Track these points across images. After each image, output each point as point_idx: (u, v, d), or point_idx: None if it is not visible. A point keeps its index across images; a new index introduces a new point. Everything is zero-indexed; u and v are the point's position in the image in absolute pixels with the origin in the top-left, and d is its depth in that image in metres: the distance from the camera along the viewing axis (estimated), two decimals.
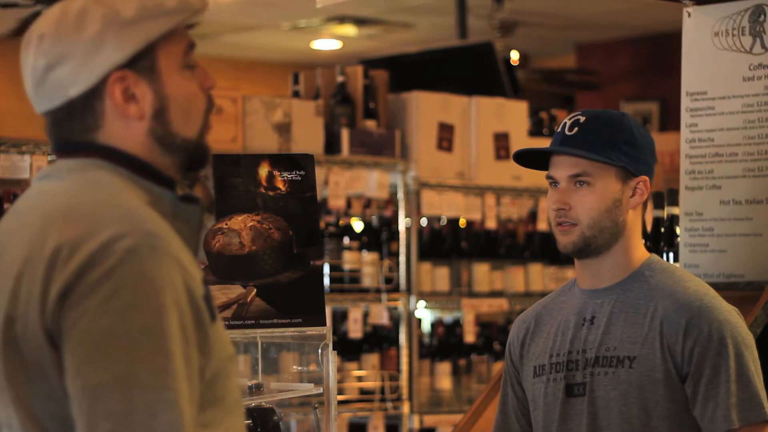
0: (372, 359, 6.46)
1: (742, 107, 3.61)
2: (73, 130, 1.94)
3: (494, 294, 6.89)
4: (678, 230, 3.72)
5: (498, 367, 6.72)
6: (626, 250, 2.87)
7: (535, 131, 7.28)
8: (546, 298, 3.04)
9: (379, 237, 6.54)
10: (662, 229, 3.78)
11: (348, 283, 6.40)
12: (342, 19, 10.23)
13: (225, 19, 9.92)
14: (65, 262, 1.80)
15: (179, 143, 1.97)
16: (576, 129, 2.85)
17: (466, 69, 8.00)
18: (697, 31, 3.70)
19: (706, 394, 2.74)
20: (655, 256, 2.92)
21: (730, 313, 2.79)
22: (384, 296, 6.39)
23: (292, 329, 3.08)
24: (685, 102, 3.72)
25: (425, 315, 6.88)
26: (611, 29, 10.71)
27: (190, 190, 2.03)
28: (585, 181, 2.83)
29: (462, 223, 6.91)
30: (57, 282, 1.79)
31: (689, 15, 3.72)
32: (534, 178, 6.78)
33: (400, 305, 6.53)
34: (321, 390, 3.11)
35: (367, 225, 6.56)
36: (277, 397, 3.16)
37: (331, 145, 6.39)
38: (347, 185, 6.31)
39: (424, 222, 6.81)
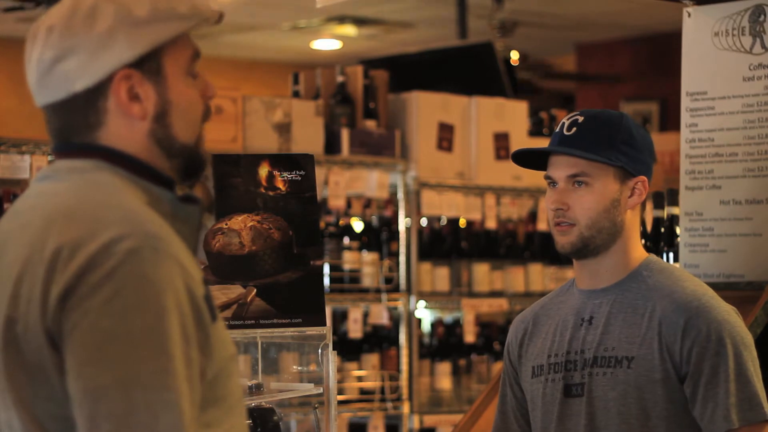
0: (372, 359, 6.46)
1: (742, 107, 3.61)
2: (73, 125, 1.94)
3: (494, 294, 6.89)
4: (678, 230, 3.72)
5: (498, 367, 6.72)
6: (625, 251, 2.87)
7: (535, 131, 7.28)
8: (544, 298, 3.04)
9: (379, 237, 6.54)
10: (662, 229, 3.78)
11: (348, 283, 6.40)
12: (342, 19, 10.24)
13: (225, 19, 9.90)
14: (66, 263, 1.80)
15: (178, 148, 1.97)
16: (574, 129, 2.85)
17: (466, 69, 8.00)
18: (697, 31, 3.70)
19: (706, 395, 2.74)
20: (653, 256, 2.92)
21: (728, 313, 2.79)
22: (384, 296, 6.39)
23: (292, 329, 3.08)
24: (685, 102, 3.72)
25: (425, 315, 6.88)
26: (611, 29, 10.71)
27: (189, 190, 2.03)
28: (583, 181, 2.83)
29: (462, 223, 6.91)
30: (58, 283, 1.79)
31: (689, 15, 3.72)
32: (534, 178, 6.78)
33: (400, 305, 6.53)
34: (321, 390, 3.11)
35: (367, 225, 6.56)
36: (277, 397, 3.16)
37: (331, 145, 6.39)
38: (347, 185, 6.31)
39: (424, 222, 6.81)
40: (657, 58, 10.77)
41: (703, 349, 2.74)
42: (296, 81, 6.63)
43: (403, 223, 6.57)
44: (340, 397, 6.11)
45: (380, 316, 6.40)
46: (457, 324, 6.89)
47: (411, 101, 6.65)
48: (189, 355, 1.80)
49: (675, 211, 3.73)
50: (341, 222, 6.47)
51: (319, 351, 3.10)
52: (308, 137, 6.25)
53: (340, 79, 6.50)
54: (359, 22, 10.33)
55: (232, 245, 3.06)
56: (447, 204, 6.68)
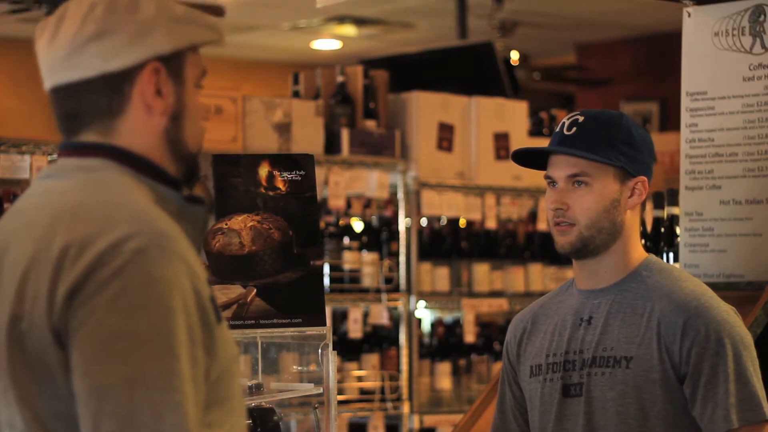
0: (372, 359, 6.46)
1: (742, 107, 3.61)
2: (92, 109, 1.94)
3: (494, 294, 6.89)
4: (678, 230, 3.72)
5: (498, 367, 6.72)
6: (624, 251, 2.87)
7: (535, 131, 7.28)
8: (543, 297, 3.03)
9: (379, 237, 6.54)
10: (662, 229, 3.78)
11: (348, 283, 6.40)
12: (342, 19, 10.24)
13: (225, 19, 9.91)
14: (74, 261, 1.80)
15: (185, 153, 1.99)
16: (575, 129, 2.85)
17: (466, 69, 8.00)
18: (697, 31, 3.70)
19: (705, 395, 2.74)
20: (652, 257, 2.92)
21: (727, 313, 2.79)
22: (384, 296, 6.39)
23: (292, 329, 3.09)
24: (685, 102, 3.72)
25: (425, 315, 6.88)
26: (611, 29, 10.71)
27: (190, 191, 2.03)
28: (583, 181, 2.82)
29: (462, 223, 6.91)
30: (65, 280, 1.79)
31: (689, 15, 3.72)
32: (534, 178, 6.78)
33: (400, 305, 6.53)
34: (321, 390, 3.11)
35: (367, 225, 6.56)
36: (277, 397, 3.16)
37: (331, 145, 6.39)
38: (347, 185, 6.31)
39: (424, 222, 6.81)
40: (657, 58, 10.77)
41: (703, 350, 2.74)
42: (296, 81, 6.63)
43: (403, 223, 6.57)
44: (340, 397, 6.11)
45: (380, 316, 6.40)
46: (457, 324, 6.89)
47: (411, 101, 6.65)
48: (194, 355, 1.81)
49: (675, 211, 3.73)
50: (341, 222, 6.47)
51: (319, 351, 3.10)
52: (308, 137, 6.25)
53: (340, 79, 6.50)
54: (359, 22, 10.33)
55: (232, 245, 3.06)
56: (447, 204, 6.68)
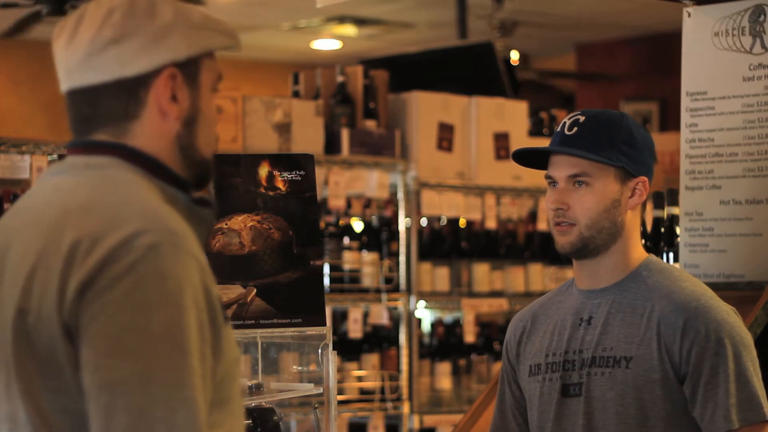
0: (372, 359, 6.46)
1: (742, 107, 3.61)
2: (107, 113, 1.94)
3: (494, 294, 6.89)
4: (678, 230, 3.72)
5: (498, 367, 6.72)
6: (624, 251, 2.87)
7: (535, 131, 7.28)
8: (543, 297, 3.03)
9: (379, 237, 6.54)
10: (662, 229, 3.78)
11: (348, 283, 6.40)
12: (342, 19, 10.24)
13: (225, 19, 9.91)
14: (85, 256, 1.80)
15: (198, 159, 2.00)
16: (575, 129, 2.84)
17: (466, 69, 8.00)
18: (697, 31, 3.70)
19: (705, 395, 2.74)
20: (653, 257, 2.92)
21: (727, 313, 2.79)
22: (384, 296, 6.39)
23: (292, 329, 3.09)
24: (685, 102, 3.72)
25: (425, 315, 6.88)
26: (611, 29, 10.71)
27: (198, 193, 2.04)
28: (584, 182, 2.82)
29: (462, 223, 6.91)
30: (76, 275, 1.80)
31: (689, 15, 3.72)
32: (534, 178, 6.78)
33: (400, 305, 6.53)
34: (321, 390, 3.11)
35: (367, 225, 6.56)
36: (277, 397, 3.16)
37: (331, 145, 6.39)
38: (347, 185, 6.31)
39: (424, 222, 6.81)
40: (657, 58, 10.77)
41: (703, 350, 2.74)
42: (296, 81, 6.63)
43: (403, 223, 6.57)
44: (340, 397, 6.11)
45: (380, 316, 6.40)
46: (457, 324, 6.89)
47: (411, 101, 6.65)
48: (203, 352, 1.82)
49: (675, 211, 3.73)
50: (341, 222, 6.47)
51: (319, 351, 3.10)
52: (308, 137, 6.25)
53: (340, 79, 6.50)
54: (359, 22, 10.33)
55: (232, 245, 3.06)
56: (447, 204, 6.68)
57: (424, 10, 9.89)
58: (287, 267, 3.10)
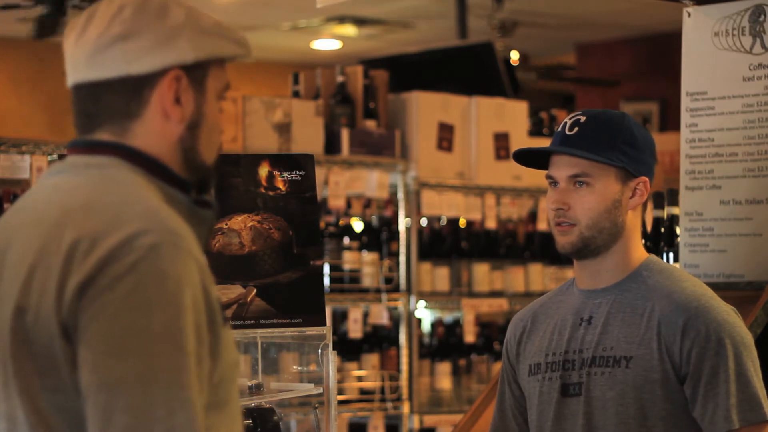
0: (372, 359, 6.46)
1: (742, 107, 3.61)
2: (110, 111, 1.94)
3: (494, 294, 6.89)
4: (678, 230, 3.72)
5: (498, 367, 6.72)
6: (625, 251, 2.87)
7: (535, 131, 7.28)
8: (544, 296, 3.03)
9: (379, 237, 6.54)
10: (662, 229, 3.78)
11: (348, 283, 6.40)
12: (342, 19, 10.24)
13: (225, 19, 9.90)
14: (85, 255, 1.80)
15: (199, 164, 1.99)
16: (576, 129, 2.84)
17: (466, 69, 8.00)
18: (697, 31, 3.70)
19: (706, 395, 2.74)
20: (653, 257, 2.92)
21: (728, 313, 2.79)
22: (384, 296, 6.39)
23: (292, 329, 3.09)
24: (685, 102, 3.72)
25: (425, 315, 6.88)
26: (611, 29, 10.71)
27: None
28: (584, 182, 2.82)
29: (462, 223, 6.91)
30: (76, 274, 1.80)
31: (689, 15, 3.72)
32: (534, 178, 6.78)
33: (400, 305, 6.53)
34: (321, 390, 3.11)
35: (367, 225, 6.56)
36: (277, 397, 3.16)
37: (331, 145, 6.39)
38: (347, 185, 6.31)
39: (424, 222, 6.81)
40: (657, 58, 10.77)
41: (703, 350, 2.74)
42: (296, 81, 6.63)
43: (403, 223, 6.57)
44: (340, 397, 6.11)
45: (380, 316, 6.40)
46: (457, 324, 6.89)
47: (411, 101, 6.65)
48: (200, 354, 1.82)
49: (675, 211, 3.73)
50: (341, 222, 6.47)
51: (319, 351, 3.10)
52: (308, 137, 6.25)
53: (340, 79, 6.50)
54: (359, 22, 10.33)
55: (232, 245, 3.06)
56: (447, 204, 6.68)
57: (424, 10, 9.89)
58: (287, 267, 3.10)
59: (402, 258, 6.54)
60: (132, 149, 1.94)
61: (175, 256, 1.80)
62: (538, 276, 7.05)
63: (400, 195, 6.57)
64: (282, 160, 3.16)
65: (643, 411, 2.77)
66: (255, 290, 3.06)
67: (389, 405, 6.36)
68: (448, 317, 6.99)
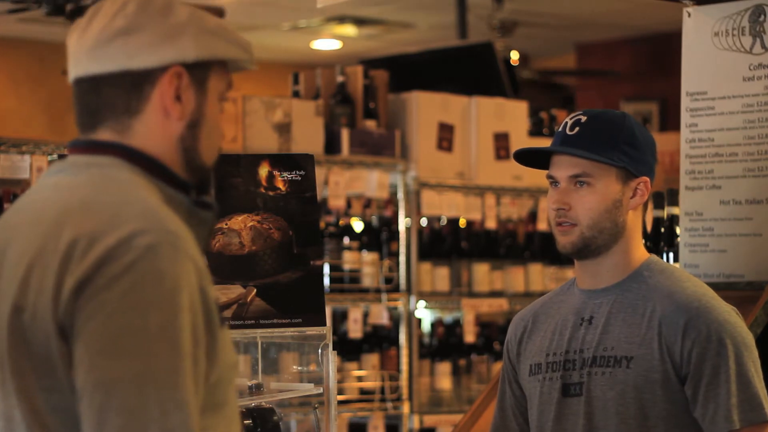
0: (372, 359, 6.46)
1: (742, 107, 3.61)
2: (111, 106, 1.94)
3: (494, 294, 6.89)
4: (678, 230, 3.72)
5: (498, 367, 6.72)
6: (626, 251, 2.87)
7: (535, 131, 7.28)
8: (544, 296, 3.03)
9: (379, 237, 6.54)
10: (662, 229, 3.78)
11: (348, 283, 6.40)
12: (342, 19, 10.24)
13: (226, 20, 9.91)
14: (83, 255, 1.80)
15: (199, 163, 1.99)
16: (577, 129, 2.84)
17: (466, 69, 8.00)
18: (697, 31, 3.70)
19: (707, 395, 2.74)
20: (654, 257, 2.92)
21: (729, 314, 2.79)
22: (384, 296, 6.39)
23: (292, 329, 3.09)
24: (685, 102, 3.72)
25: (425, 315, 6.88)
26: (611, 29, 10.71)
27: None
28: (585, 182, 2.82)
29: (462, 223, 6.91)
30: (73, 274, 1.79)
31: (689, 15, 3.72)
32: (534, 178, 6.79)
33: (400, 305, 6.53)
34: (321, 390, 3.11)
35: (367, 225, 6.56)
36: (277, 397, 3.16)
37: (331, 145, 6.39)
38: (347, 185, 6.31)
39: (424, 222, 6.81)
40: (657, 58, 10.77)
41: (704, 350, 2.74)
42: (296, 81, 6.63)
43: (403, 223, 6.57)
44: (340, 397, 6.11)
45: (380, 316, 6.40)
46: (457, 324, 6.89)
47: (411, 101, 6.65)
48: (196, 355, 1.81)
49: (675, 211, 3.73)
50: (341, 222, 6.47)
51: (319, 351, 3.10)
52: (308, 137, 6.25)
53: (340, 79, 6.50)
54: (359, 22, 10.33)
55: (232, 245, 3.06)
56: (447, 204, 6.68)
57: (424, 10, 9.89)
58: (287, 267, 3.10)
59: (402, 258, 6.54)
60: (132, 149, 1.94)
61: (172, 257, 1.80)
62: (538, 276, 7.05)
63: (400, 195, 6.57)
64: (282, 160, 3.16)
65: (643, 411, 2.77)
66: (255, 290, 3.06)
67: (389, 405, 6.36)
68: (448, 317, 6.99)
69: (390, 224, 6.59)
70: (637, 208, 2.88)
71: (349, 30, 10.61)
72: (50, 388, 1.83)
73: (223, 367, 1.90)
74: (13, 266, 1.87)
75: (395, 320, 6.59)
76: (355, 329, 6.34)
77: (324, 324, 3.10)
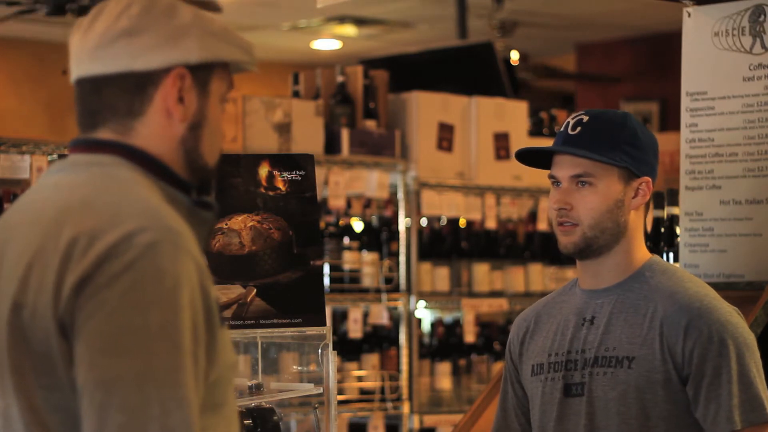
0: (372, 359, 6.46)
1: (742, 107, 3.61)
2: (113, 107, 1.94)
3: (494, 294, 6.89)
4: (678, 230, 3.72)
5: (498, 367, 6.72)
6: (627, 251, 2.87)
7: (535, 131, 7.28)
8: (547, 297, 3.03)
9: (379, 237, 6.54)
10: (662, 229, 3.78)
11: (348, 283, 6.40)
12: (342, 19, 10.24)
13: (225, 19, 9.89)
14: (83, 253, 1.80)
15: (201, 165, 1.99)
16: (579, 129, 2.84)
17: (466, 69, 8.00)
18: (697, 31, 3.70)
19: (708, 396, 2.74)
20: (656, 257, 2.92)
21: (730, 314, 2.79)
22: (384, 296, 6.39)
23: (292, 329, 3.09)
24: (685, 102, 3.72)
25: (425, 315, 6.88)
26: (611, 29, 10.71)
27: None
28: (587, 182, 2.82)
29: (462, 223, 6.91)
30: (73, 272, 1.79)
31: (689, 15, 3.72)
32: (534, 178, 6.78)
33: (400, 305, 6.53)
34: (321, 390, 3.11)
35: (367, 225, 6.56)
36: (277, 397, 3.16)
37: (331, 145, 6.39)
38: (347, 185, 6.31)
39: (424, 222, 6.81)
40: (657, 58, 10.77)
41: (705, 351, 2.74)
42: (296, 81, 6.63)
43: (403, 223, 6.57)
44: (340, 397, 6.11)
45: (380, 316, 6.40)
46: (457, 324, 6.89)
47: (411, 101, 6.65)
48: (196, 354, 1.81)
49: (675, 211, 3.73)
50: (341, 222, 6.47)
51: (319, 351, 3.10)
52: (308, 137, 6.25)
53: (340, 79, 6.50)
54: (359, 22, 10.33)
55: (232, 245, 3.06)
56: (447, 204, 6.68)
57: (424, 10, 9.88)
58: (287, 267, 3.10)
59: (402, 258, 6.54)
60: (134, 148, 1.94)
61: (173, 255, 1.80)
62: (538, 276, 7.05)
63: (400, 195, 6.57)
64: (282, 160, 3.16)
65: (645, 411, 2.77)
66: (255, 290, 3.06)
67: (389, 405, 6.36)
68: (448, 317, 6.99)
69: (390, 224, 6.59)
70: (639, 208, 2.88)
71: (349, 30, 10.61)
72: (49, 386, 1.83)
73: (223, 366, 1.90)
74: (13, 264, 1.87)
75: (395, 320, 6.59)
76: (355, 329, 6.34)
77: (324, 324, 3.10)
